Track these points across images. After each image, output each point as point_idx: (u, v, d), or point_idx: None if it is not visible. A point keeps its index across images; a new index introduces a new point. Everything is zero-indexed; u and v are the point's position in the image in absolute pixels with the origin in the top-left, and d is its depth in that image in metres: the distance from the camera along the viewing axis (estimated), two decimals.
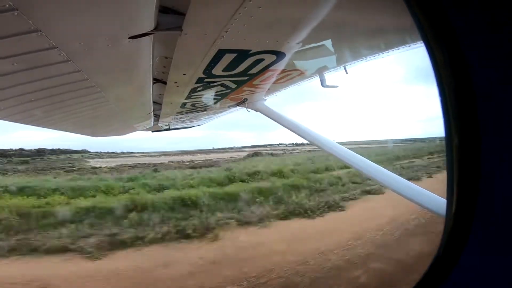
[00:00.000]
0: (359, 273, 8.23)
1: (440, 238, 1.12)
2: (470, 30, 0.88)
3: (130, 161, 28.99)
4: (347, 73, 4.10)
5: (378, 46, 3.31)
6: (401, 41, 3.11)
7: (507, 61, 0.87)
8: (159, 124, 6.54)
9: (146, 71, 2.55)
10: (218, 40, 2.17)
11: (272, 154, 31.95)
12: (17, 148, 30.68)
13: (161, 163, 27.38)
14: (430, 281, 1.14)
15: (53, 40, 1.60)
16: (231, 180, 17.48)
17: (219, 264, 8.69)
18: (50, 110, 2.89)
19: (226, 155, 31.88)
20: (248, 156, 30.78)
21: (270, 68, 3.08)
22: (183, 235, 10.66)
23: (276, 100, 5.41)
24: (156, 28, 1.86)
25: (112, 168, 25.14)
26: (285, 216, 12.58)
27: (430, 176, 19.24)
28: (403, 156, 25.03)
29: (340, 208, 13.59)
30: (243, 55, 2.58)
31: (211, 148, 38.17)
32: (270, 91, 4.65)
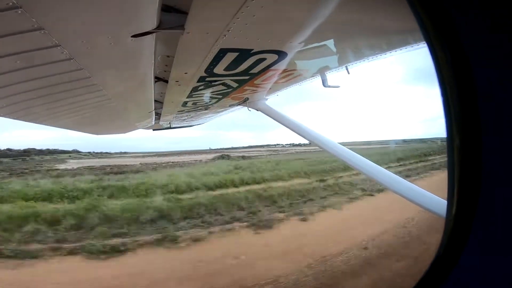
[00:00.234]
0: None
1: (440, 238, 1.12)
2: (472, 30, 0.88)
3: (116, 162, 28.43)
4: (348, 73, 4.10)
5: (380, 47, 3.30)
6: (403, 42, 3.10)
7: (509, 61, 0.87)
8: (160, 123, 6.55)
9: (148, 70, 2.55)
10: (220, 39, 2.17)
11: (243, 157, 29.79)
12: (5, 148, 30.42)
13: (129, 164, 26.29)
14: (431, 281, 1.15)
15: (56, 38, 1.61)
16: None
17: None
18: (52, 107, 2.91)
19: (192, 157, 30.48)
20: (213, 159, 29.05)
21: (271, 68, 3.08)
22: None
23: (276, 100, 5.41)
24: (159, 27, 1.86)
25: (85, 169, 23.76)
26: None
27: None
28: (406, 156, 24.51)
29: None
30: (244, 54, 2.58)
31: (208, 148, 38.14)
32: (272, 90, 4.65)
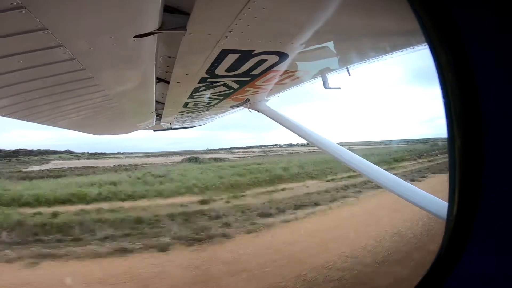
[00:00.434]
0: None
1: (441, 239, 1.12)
2: (473, 31, 0.88)
3: (108, 162, 28.28)
4: (349, 74, 4.10)
5: (381, 48, 3.30)
6: (405, 43, 3.11)
7: (510, 62, 0.87)
8: (161, 124, 6.56)
9: (149, 70, 2.56)
10: (221, 40, 2.18)
11: (215, 159, 28.42)
12: None
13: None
14: (432, 282, 1.15)
15: (59, 39, 1.62)
16: None
17: None
18: (54, 107, 2.91)
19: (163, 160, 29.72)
20: (182, 161, 27.96)
21: (273, 69, 3.09)
22: None
23: (276, 100, 5.40)
24: (161, 27, 1.87)
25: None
26: None
27: None
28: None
29: None
30: (246, 55, 2.59)
31: (206, 148, 38.17)
32: (273, 91, 4.65)
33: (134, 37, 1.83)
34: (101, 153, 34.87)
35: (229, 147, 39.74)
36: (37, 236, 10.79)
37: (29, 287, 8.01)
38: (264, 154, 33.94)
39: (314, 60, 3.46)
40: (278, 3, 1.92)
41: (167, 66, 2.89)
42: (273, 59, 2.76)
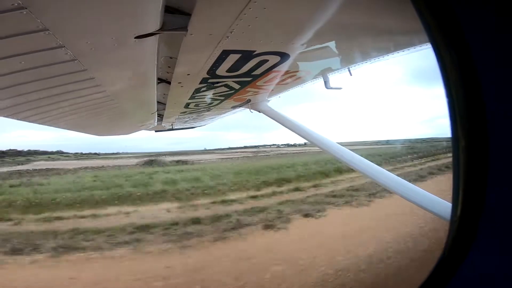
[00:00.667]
0: None
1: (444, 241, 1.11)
2: (477, 30, 0.87)
3: (99, 163, 27.64)
4: (351, 74, 4.09)
5: (383, 48, 3.29)
6: (407, 43, 3.10)
7: None
8: (163, 124, 6.57)
9: (151, 71, 2.56)
10: (222, 40, 2.18)
11: (178, 162, 26.49)
12: None
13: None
14: (435, 283, 1.13)
15: (60, 39, 1.62)
16: None
17: None
18: (55, 108, 2.92)
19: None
20: (138, 164, 26.24)
21: (274, 69, 3.08)
22: None
23: (277, 101, 5.38)
24: (162, 28, 1.87)
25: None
26: None
27: None
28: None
29: None
30: (247, 55, 2.59)
31: (203, 149, 38.13)
32: (274, 92, 4.64)
33: (135, 37, 1.83)
34: (95, 154, 34.80)
35: (227, 147, 39.86)
36: None
37: None
38: (252, 155, 33.44)
39: (316, 60, 3.45)
40: (279, 3, 1.91)
41: (168, 67, 2.89)
42: (274, 59, 2.76)
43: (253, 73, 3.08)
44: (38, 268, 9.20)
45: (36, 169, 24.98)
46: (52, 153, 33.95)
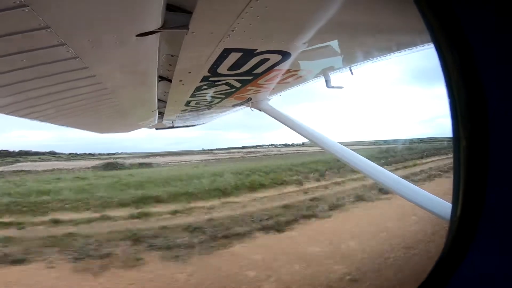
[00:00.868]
0: None
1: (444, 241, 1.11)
2: (479, 30, 0.87)
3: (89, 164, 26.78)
4: (352, 74, 4.08)
5: (385, 47, 3.29)
6: (409, 42, 3.09)
7: None
8: (163, 122, 6.57)
9: (152, 69, 2.56)
10: (224, 39, 2.18)
11: (141, 164, 24.79)
12: None
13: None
14: (434, 282, 1.14)
15: (62, 37, 1.62)
16: None
17: None
18: (56, 106, 2.93)
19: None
20: (96, 167, 24.60)
21: (275, 68, 3.08)
22: None
23: (278, 100, 5.36)
24: (163, 26, 1.87)
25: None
26: None
27: None
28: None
29: None
30: (248, 54, 2.59)
31: (201, 149, 37.95)
32: (275, 91, 4.64)
33: (137, 35, 1.82)
34: (89, 154, 34.41)
35: (226, 147, 39.72)
36: None
37: None
38: (239, 156, 32.44)
39: (317, 59, 3.45)
40: (281, 2, 1.91)
41: (170, 65, 2.89)
42: (275, 58, 2.76)
43: (254, 71, 3.08)
44: None
45: (15, 171, 24.38)
46: (43, 153, 33.62)
